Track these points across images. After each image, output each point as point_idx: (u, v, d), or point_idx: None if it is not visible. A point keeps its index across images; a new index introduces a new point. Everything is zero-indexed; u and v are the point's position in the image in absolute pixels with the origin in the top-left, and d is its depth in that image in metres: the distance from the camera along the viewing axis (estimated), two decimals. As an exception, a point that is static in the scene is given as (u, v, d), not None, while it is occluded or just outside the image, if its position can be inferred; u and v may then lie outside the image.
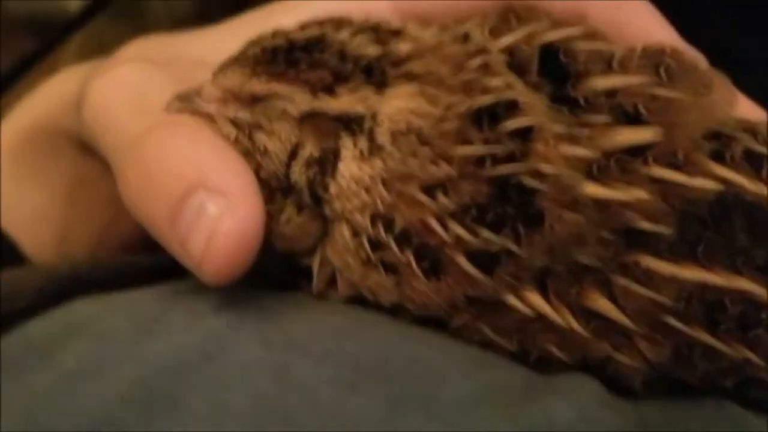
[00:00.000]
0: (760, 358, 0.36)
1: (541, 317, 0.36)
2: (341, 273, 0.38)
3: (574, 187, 0.36)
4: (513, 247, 0.35)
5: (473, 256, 0.36)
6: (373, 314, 0.37)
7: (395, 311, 0.38)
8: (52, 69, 0.60)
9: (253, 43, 0.39)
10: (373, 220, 0.37)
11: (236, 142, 0.38)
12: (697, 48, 0.41)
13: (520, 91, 0.37)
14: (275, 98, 0.38)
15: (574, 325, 0.36)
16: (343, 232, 0.37)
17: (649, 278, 0.36)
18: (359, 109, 0.37)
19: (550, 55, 0.38)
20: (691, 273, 0.36)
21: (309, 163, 0.38)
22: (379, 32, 0.38)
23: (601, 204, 0.36)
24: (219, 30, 0.46)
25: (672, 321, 0.36)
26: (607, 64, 0.38)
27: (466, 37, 0.39)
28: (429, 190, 0.36)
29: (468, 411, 0.32)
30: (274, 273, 0.39)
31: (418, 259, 0.36)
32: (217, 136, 0.38)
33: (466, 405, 0.33)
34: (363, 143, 0.37)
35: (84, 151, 0.49)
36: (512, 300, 0.36)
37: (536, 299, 0.36)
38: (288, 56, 0.37)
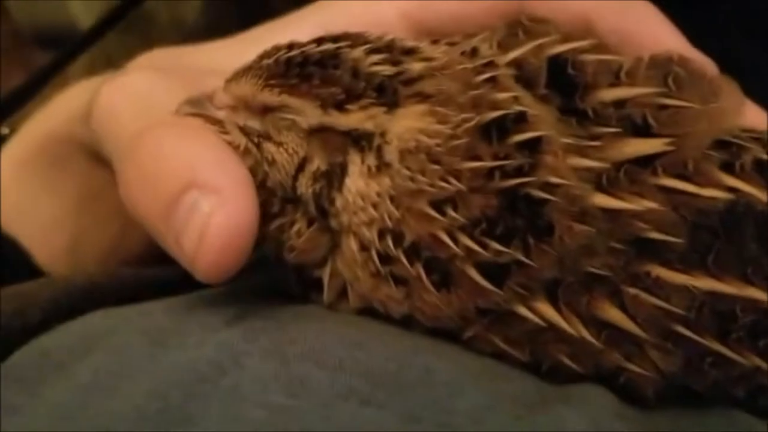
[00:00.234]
0: (771, 367, 0.36)
1: (552, 327, 0.36)
2: (352, 285, 0.38)
3: (583, 198, 0.36)
4: (523, 259, 0.35)
5: (483, 268, 0.36)
6: (386, 325, 0.37)
7: (406, 323, 0.38)
8: (62, 83, 0.61)
9: (267, 54, 0.39)
10: (381, 234, 0.37)
11: (245, 151, 0.39)
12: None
13: (528, 104, 0.37)
14: (286, 110, 0.38)
15: (585, 335, 0.36)
16: (351, 245, 0.38)
17: (659, 288, 0.36)
18: (368, 126, 0.37)
19: (558, 67, 0.38)
20: (702, 282, 0.36)
21: (316, 177, 0.38)
22: (393, 51, 0.38)
23: (610, 215, 0.36)
24: (229, 43, 0.46)
25: (683, 330, 0.36)
26: (615, 76, 0.38)
27: (474, 52, 0.39)
28: (438, 205, 0.36)
29: (482, 423, 0.32)
30: (286, 285, 0.40)
31: (428, 272, 0.36)
32: (216, 136, 0.38)
33: (480, 416, 0.33)
34: (371, 160, 0.37)
35: (95, 162, 0.50)
36: (523, 311, 0.36)
37: (547, 309, 0.36)
38: (301, 70, 0.38)
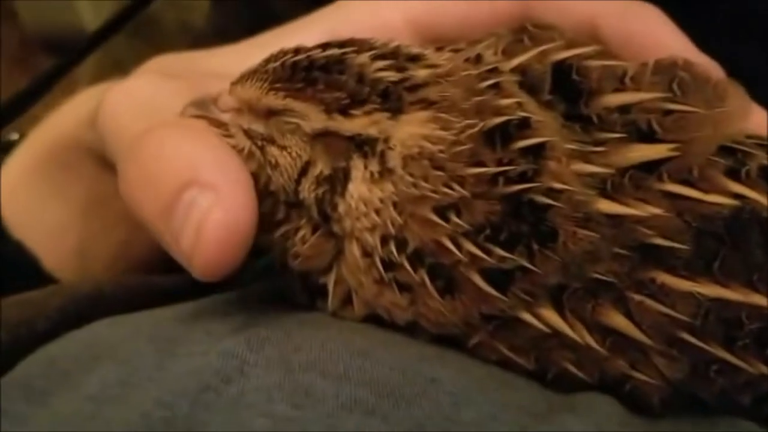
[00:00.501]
0: (777, 374, 0.36)
1: (556, 334, 0.36)
2: (356, 292, 0.38)
3: (587, 203, 0.36)
4: (527, 265, 0.35)
5: (487, 274, 0.36)
6: (391, 333, 0.37)
7: (411, 330, 0.38)
8: (69, 86, 0.61)
9: (273, 58, 0.39)
10: (384, 240, 0.37)
11: (249, 154, 0.39)
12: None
13: (532, 110, 0.37)
14: (290, 114, 0.38)
15: (590, 341, 0.36)
16: (354, 251, 0.38)
17: (665, 294, 0.36)
18: (372, 132, 0.37)
19: (562, 73, 0.38)
20: (708, 289, 0.36)
21: (319, 181, 0.38)
22: (398, 57, 0.38)
23: (615, 220, 0.36)
24: (237, 48, 0.46)
25: (688, 337, 0.36)
26: (620, 81, 0.38)
27: (478, 59, 0.39)
28: (441, 211, 0.36)
29: None
30: (291, 293, 0.40)
31: (432, 278, 0.36)
32: (218, 137, 0.39)
33: (485, 427, 0.33)
34: (374, 166, 0.37)
35: (103, 167, 0.50)
36: (527, 317, 0.36)
37: (551, 316, 0.36)
38: (307, 74, 0.38)
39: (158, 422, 0.31)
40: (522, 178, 0.36)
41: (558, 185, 0.36)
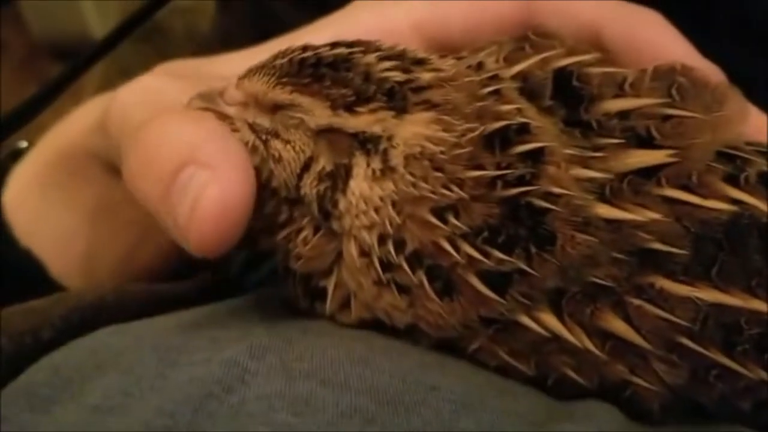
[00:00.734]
0: (777, 379, 0.36)
1: (556, 338, 0.36)
2: (356, 295, 0.39)
3: (586, 208, 0.36)
4: (525, 268, 0.36)
5: (485, 277, 0.36)
6: (392, 341, 0.38)
7: (411, 334, 0.38)
8: (76, 93, 0.61)
9: (282, 54, 0.39)
10: (382, 239, 0.37)
11: (252, 148, 0.39)
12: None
13: (531, 116, 0.37)
14: (295, 109, 0.38)
15: (589, 345, 0.36)
16: (351, 249, 0.38)
17: (664, 299, 0.36)
18: (376, 129, 0.37)
19: (563, 79, 0.39)
20: (707, 294, 0.36)
21: (321, 177, 0.38)
22: (404, 59, 0.39)
23: (614, 225, 0.36)
24: (244, 53, 0.46)
25: (688, 342, 0.36)
26: (620, 87, 0.38)
27: (480, 66, 0.39)
28: (440, 212, 0.36)
29: None
30: (293, 298, 0.40)
31: (431, 279, 0.37)
32: (218, 121, 0.39)
33: None
34: (376, 163, 0.37)
35: (111, 174, 0.50)
36: (526, 320, 0.36)
37: (550, 320, 0.36)
38: (314, 70, 0.38)
39: (159, 430, 0.32)
40: (520, 181, 0.36)
41: (556, 189, 0.36)
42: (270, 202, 0.39)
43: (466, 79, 0.38)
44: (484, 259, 0.36)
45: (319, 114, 0.38)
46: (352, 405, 0.32)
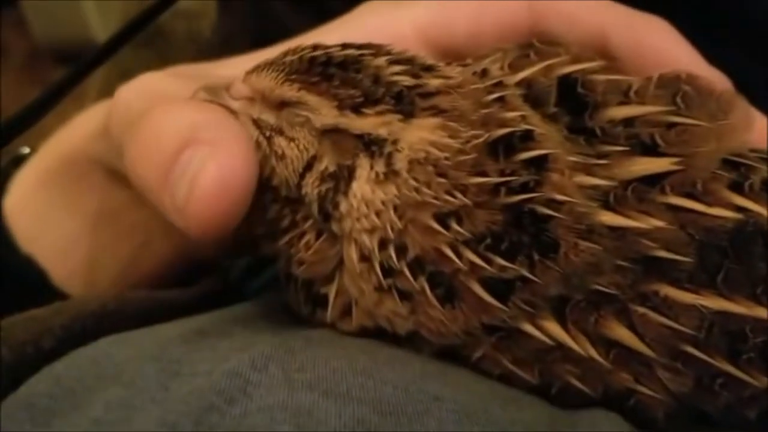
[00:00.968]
0: (782, 388, 0.36)
1: (559, 346, 0.36)
2: (357, 302, 0.39)
3: (589, 215, 0.36)
4: (527, 275, 0.35)
5: (488, 284, 0.36)
6: (395, 350, 0.37)
7: (413, 341, 0.38)
8: (79, 97, 0.61)
9: (291, 51, 0.39)
10: (383, 244, 0.37)
11: (256, 144, 0.39)
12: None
13: (535, 123, 0.37)
14: (302, 107, 0.38)
15: (593, 353, 0.36)
16: (351, 254, 0.38)
17: (668, 307, 0.36)
18: (382, 132, 0.37)
19: (568, 86, 0.38)
20: (712, 302, 0.36)
21: (323, 177, 0.38)
22: (414, 64, 0.38)
23: (617, 233, 0.36)
24: (247, 58, 0.46)
25: (692, 350, 0.36)
26: (624, 94, 0.38)
27: (484, 73, 0.39)
28: (442, 218, 0.36)
29: None
30: (295, 304, 0.40)
31: (432, 286, 0.36)
32: (218, 105, 0.39)
33: None
34: (380, 166, 0.37)
35: (113, 181, 0.50)
36: (529, 328, 0.36)
37: (554, 327, 0.36)
38: (324, 69, 0.38)
39: None
40: (524, 188, 0.36)
41: (560, 197, 0.36)
42: (272, 207, 0.39)
43: (473, 87, 0.38)
44: (487, 266, 0.36)
45: (325, 113, 0.38)
46: (355, 416, 0.32)
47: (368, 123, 0.37)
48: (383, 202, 0.37)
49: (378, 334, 0.39)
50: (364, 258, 0.37)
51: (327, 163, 0.38)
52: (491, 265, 0.36)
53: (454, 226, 0.36)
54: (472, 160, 0.36)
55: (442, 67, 0.39)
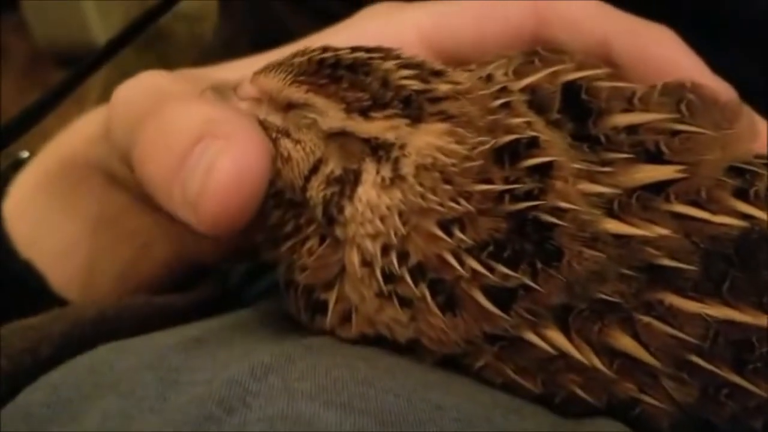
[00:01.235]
0: (789, 398, 0.36)
1: (563, 356, 0.36)
2: (357, 309, 0.38)
3: (593, 223, 0.36)
4: (530, 283, 0.35)
5: (490, 292, 0.35)
6: (396, 359, 0.37)
7: (413, 350, 0.37)
8: (79, 99, 0.61)
9: (300, 53, 0.39)
10: (385, 250, 0.37)
11: None
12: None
13: (540, 130, 0.37)
14: (309, 109, 0.38)
15: (597, 363, 0.35)
16: (353, 258, 0.37)
17: (673, 316, 0.35)
18: (389, 136, 0.37)
19: (572, 93, 0.38)
20: (717, 311, 0.35)
21: (329, 181, 0.38)
22: (423, 69, 0.38)
23: (621, 240, 0.36)
24: (249, 62, 0.46)
25: (697, 360, 0.35)
26: (628, 101, 0.38)
27: (489, 78, 0.39)
28: (446, 225, 0.36)
29: None
30: (295, 310, 0.39)
31: (433, 293, 0.36)
32: (230, 105, 0.38)
33: None
34: (386, 171, 0.37)
35: (112, 185, 0.50)
36: (532, 337, 0.36)
37: (557, 337, 0.36)
38: (332, 71, 0.38)
39: None
40: (528, 196, 0.35)
41: (564, 204, 0.35)
42: (275, 213, 0.39)
43: (480, 92, 0.38)
44: (489, 274, 0.35)
45: (332, 116, 0.37)
46: (356, 426, 0.32)
47: (376, 127, 0.37)
48: (388, 207, 0.36)
49: (378, 341, 0.38)
50: (366, 263, 0.37)
51: (333, 167, 0.38)
52: (493, 273, 0.35)
53: (457, 233, 0.35)
54: (478, 166, 0.36)
55: (450, 71, 0.39)
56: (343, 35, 0.44)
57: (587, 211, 0.36)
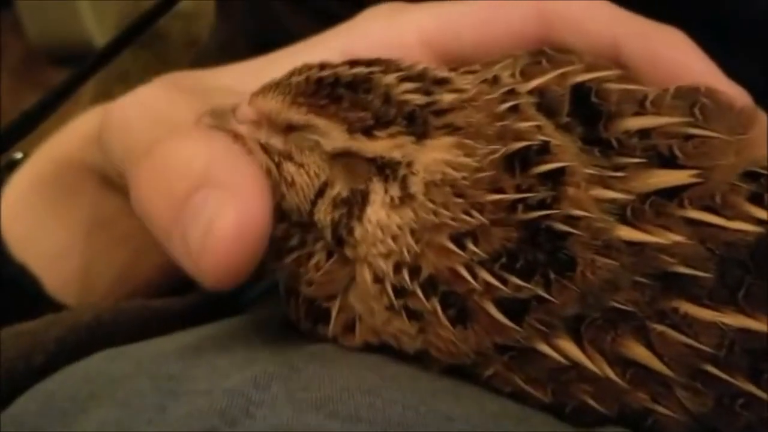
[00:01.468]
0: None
1: (575, 366, 0.35)
2: (362, 319, 0.37)
3: (606, 230, 0.35)
4: (543, 294, 0.34)
5: (502, 304, 0.35)
6: (402, 367, 0.36)
7: (421, 359, 0.37)
8: (74, 99, 0.60)
9: (298, 71, 0.38)
10: (397, 267, 0.36)
11: (266, 170, 0.37)
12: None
13: (550, 134, 0.36)
14: (311, 130, 0.37)
15: (610, 373, 0.35)
16: (365, 275, 0.36)
17: (688, 325, 0.34)
18: (395, 155, 0.36)
19: (581, 95, 0.37)
20: (732, 319, 0.34)
21: (336, 203, 0.37)
22: (425, 80, 0.37)
23: (635, 248, 0.35)
24: (249, 65, 0.45)
25: (712, 369, 0.34)
26: (640, 105, 0.37)
27: (495, 80, 0.38)
28: (459, 239, 0.35)
29: None
30: (296, 318, 0.39)
31: (445, 306, 0.35)
32: (231, 141, 0.37)
33: None
34: (395, 190, 0.36)
35: (107, 188, 0.49)
36: (544, 348, 0.35)
37: (569, 347, 0.35)
38: (332, 90, 0.37)
39: None
40: (541, 205, 0.35)
41: (577, 212, 0.35)
42: (279, 226, 0.38)
43: (486, 97, 0.37)
44: (502, 286, 0.34)
45: (335, 137, 0.36)
46: None
47: (380, 146, 0.36)
48: (399, 227, 0.36)
49: (382, 348, 0.38)
50: (378, 280, 0.36)
51: (339, 189, 0.37)
52: (506, 285, 0.34)
53: (470, 246, 0.35)
54: (490, 177, 0.35)
55: (454, 77, 0.38)
56: (344, 39, 0.43)
57: (600, 218, 0.35)
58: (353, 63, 0.38)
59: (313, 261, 0.37)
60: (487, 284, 0.34)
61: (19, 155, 0.56)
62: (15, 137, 0.54)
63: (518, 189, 0.35)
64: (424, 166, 0.36)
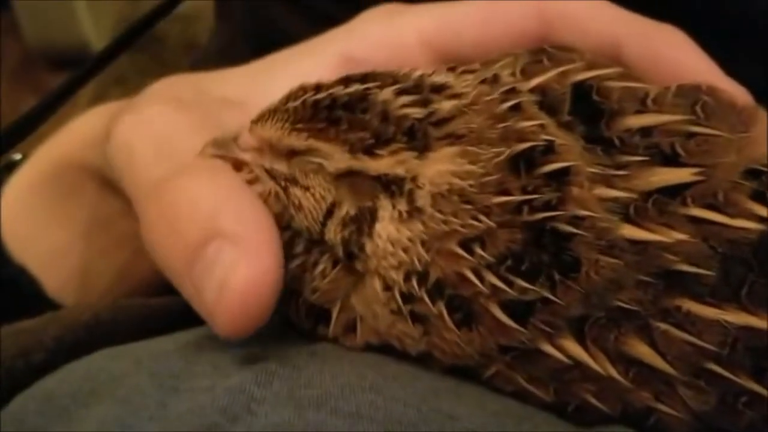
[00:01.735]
0: (808, 406, 0.35)
1: (578, 365, 0.35)
2: (364, 321, 0.37)
3: (610, 229, 0.35)
4: (549, 296, 0.34)
5: (507, 306, 0.34)
6: (404, 366, 0.36)
7: (424, 360, 0.36)
8: (71, 102, 0.60)
9: (293, 96, 0.38)
10: (408, 276, 0.36)
11: (274, 195, 0.38)
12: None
13: (553, 133, 0.36)
14: (313, 154, 0.37)
15: (613, 372, 0.35)
16: (375, 285, 0.36)
17: (690, 323, 0.34)
18: (399, 171, 0.36)
19: (582, 93, 0.37)
20: (735, 317, 0.34)
21: (345, 222, 0.37)
22: (422, 89, 0.37)
23: (639, 246, 0.35)
24: (248, 70, 0.45)
25: (715, 368, 0.34)
26: (642, 103, 0.37)
27: (495, 79, 0.38)
28: (467, 244, 0.35)
29: None
30: (296, 318, 0.38)
31: (451, 310, 0.35)
32: (240, 181, 0.37)
33: None
34: (402, 205, 0.36)
35: (106, 189, 0.49)
36: (548, 348, 0.35)
37: (573, 347, 0.35)
38: (329, 113, 0.37)
39: None
40: (546, 206, 0.35)
41: (581, 212, 0.35)
42: (284, 233, 0.37)
43: (486, 99, 0.37)
44: (508, 289, 0.34)
45: (338, 158, 0.36)
46: None
47: (383, 164, 0.36)
48: (410, 239, 0.36)
49: (383, 348, 0.37)
50: (388, 288, 0.36)
51: (347, 208, 0.37)
52: (512, 288, 0.34)
53: (478, 250, 0.35)
54: (496, 180, 0.35)
55: (452, 82, 0.38)
56: (343, 41, 0.43)
57: (604, 217, 0.35)
58: (347, 81, 0.37)
59: (319, 269, 0.37)
60: (494, 287, 0.34)
61: (17, 156, 0.56)
62: (14, 140, 0.54)
63: (524, 190, 0.35)
64: (429, 179, 0.35)
